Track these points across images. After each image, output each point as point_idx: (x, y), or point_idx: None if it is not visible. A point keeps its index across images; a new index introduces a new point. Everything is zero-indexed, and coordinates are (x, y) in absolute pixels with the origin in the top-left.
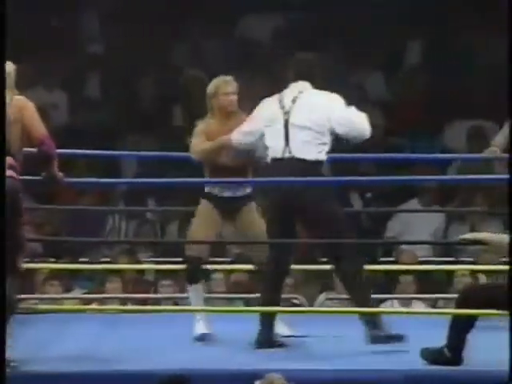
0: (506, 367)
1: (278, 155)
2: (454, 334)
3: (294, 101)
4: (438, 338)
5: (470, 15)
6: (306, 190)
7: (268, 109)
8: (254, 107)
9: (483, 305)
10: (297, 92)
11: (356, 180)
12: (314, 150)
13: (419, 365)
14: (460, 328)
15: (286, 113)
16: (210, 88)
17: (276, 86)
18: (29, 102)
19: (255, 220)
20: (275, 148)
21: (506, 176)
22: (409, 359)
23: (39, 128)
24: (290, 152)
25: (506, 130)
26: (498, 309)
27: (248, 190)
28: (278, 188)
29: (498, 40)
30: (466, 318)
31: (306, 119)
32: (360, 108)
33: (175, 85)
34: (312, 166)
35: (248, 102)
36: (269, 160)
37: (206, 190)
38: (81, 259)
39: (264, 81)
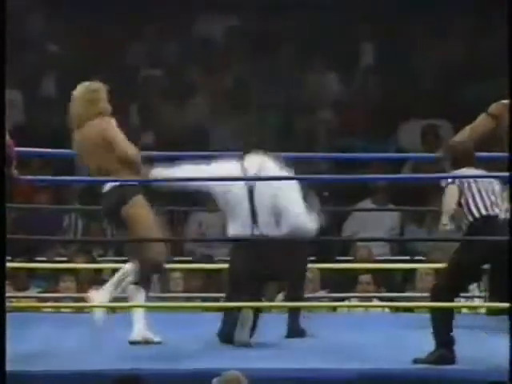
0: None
1: None
2: (440, 331)
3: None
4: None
5: (420, 15)
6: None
7: None
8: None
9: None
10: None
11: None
12: None
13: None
14: (443, 323)
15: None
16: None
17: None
18: None
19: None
20: None
21: (506, 174)
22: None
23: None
24: None
25: (465, 132)
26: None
27: None
28: None
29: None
30: (444, 311)
31: None
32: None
33: (132, 84)
34: None
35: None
36: None
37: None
38: (37, 258)
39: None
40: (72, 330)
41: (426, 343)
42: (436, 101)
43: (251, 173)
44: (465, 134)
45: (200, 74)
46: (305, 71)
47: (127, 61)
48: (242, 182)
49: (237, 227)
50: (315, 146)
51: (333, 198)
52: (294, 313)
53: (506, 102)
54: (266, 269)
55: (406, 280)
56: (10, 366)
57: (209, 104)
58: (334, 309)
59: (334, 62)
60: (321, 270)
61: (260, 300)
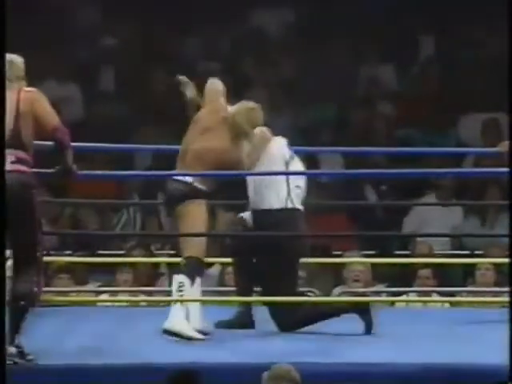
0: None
1: None
2: None
3: None
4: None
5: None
6: None
7: None
8: None
9: None
10: None
11: (369, 173)
12: None
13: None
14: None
15: None
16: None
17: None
18: (40, 94)
19: None
20: None
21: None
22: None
23: (52, 118)
24: None
25: None
26: None
27: None
28: None
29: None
30: None
31: None
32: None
33: (189, 77)
34: None
35: None
36: None
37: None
38: (97, 253)
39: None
40: (127, 324)
41: (486, 338)
42: (496, 94)
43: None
44: None
45: (256, 67)
46: (361, 63)
47: (184, 54)
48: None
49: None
50: (373, 138)
51: (393, 192)
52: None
53: None
54: None
55: (467, 275)
56: (66, 360)
57: (265, 97)
58: (393, 303)
59: (393, 53)
60: (379, 264)
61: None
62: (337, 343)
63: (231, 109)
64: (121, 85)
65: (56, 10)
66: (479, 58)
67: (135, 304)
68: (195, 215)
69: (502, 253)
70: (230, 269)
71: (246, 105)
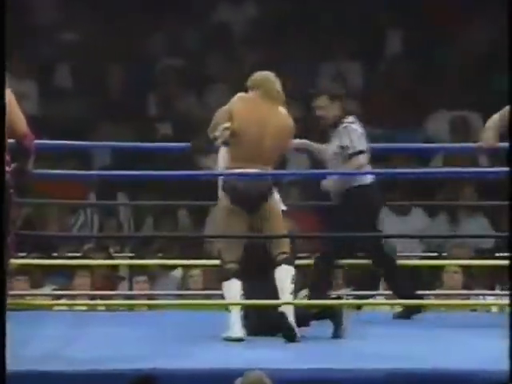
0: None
1: None
2: None
3: None
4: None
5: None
6: None
7: None
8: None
9: None
10: None
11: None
12: None
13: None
14: None
15: None
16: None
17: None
18: (12, 95)
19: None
20: None
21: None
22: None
23: (22, 123)
24: None
25: (494, 121)
26: None
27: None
28: None
29: (481, 28)
30: None
31: None
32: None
33: (150, 73)
34: None
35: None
36: None
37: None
38: (54, 254)
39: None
40: (86, 329)
41: (453, 342)
42: (465, 90)
43: None
44: (494, 123)
45: (220, 63)
46: (326, 59)
47: (146, 50)
48: None
49: None
50: None
51: None
52: None
53: None
54: None
55: (434, 278)
56: (22, 366)
57: (229, 94)
58: (359, 307)
59: (359, 49)
60: (346, 266)
61: None
62: (306, 348)
63: None
64: (78, 81)
65: (14, 4)
66: (447, 54)
67: (93, 308)
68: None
69: (467, 254)
70: (194, 271)
71: None
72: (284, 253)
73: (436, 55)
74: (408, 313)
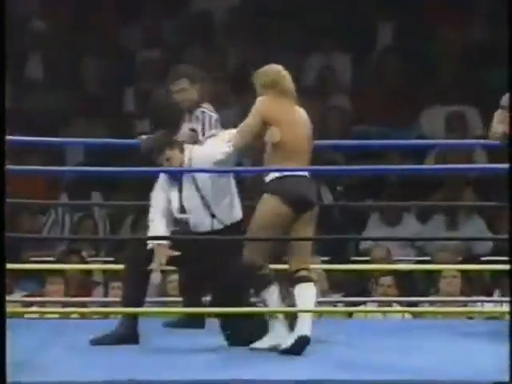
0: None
1: None
2: None
3: None
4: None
5: None
6: None
7: None
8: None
9: None
10: None
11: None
12: None
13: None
14: None
15: None
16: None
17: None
18: None
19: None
20: None
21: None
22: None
23: None
24: None
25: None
26: None
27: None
28: None
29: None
30: None
31: None
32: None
33: (127, 66)
34: None
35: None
36: None
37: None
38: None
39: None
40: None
41: (450, 352)
42: (461, 85)
43: None
44: (495, 128)
45: (201, 54)
46: (314, 52)
47: (122, 41)
48: None
49: None
50: (326, 134)
51: (352, 193)
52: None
53: None
54: None
55: (430, 284)
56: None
57: (211, 88)
58: (350, 314)
59: (348, 41)
60: (333, 271)
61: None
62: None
63: None
64: (50, 73)
65: None
66: (442, 46)
67: (67, 316)
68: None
69: (453, 258)
70: (173, 277)
71: None
72: (305, 269)
73: (429, 48)
74: (186, 322)
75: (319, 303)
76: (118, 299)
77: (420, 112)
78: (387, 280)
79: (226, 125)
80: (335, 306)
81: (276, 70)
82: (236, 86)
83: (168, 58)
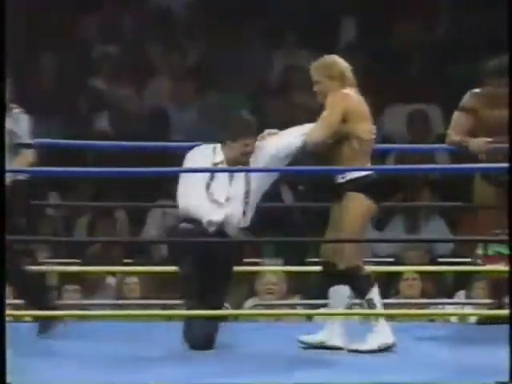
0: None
1: None
2: None
3: None
4: None
5: None
6: None
7: None
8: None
9: None
10: None
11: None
12: None
13: None
14: None
15: None
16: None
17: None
18: None
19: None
20: None
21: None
22: None
23: None
24: None
25: (456, 119)
26: None
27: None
28: None
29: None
30: None
31: None
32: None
33: (84, 62)
34: None
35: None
36: None
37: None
38: None
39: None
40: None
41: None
42: (424, 83)
43: None
44: (451, 136)
45: (160, 51)
46: (277, 49)
47: (79, 36)
48: None
49: None
50: None
51: (315, 193)
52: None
53: (477, 90)
54: None
55: (390, 285)
56: None
57: (170, 85)
58: (310, 317)
59: (311, 37)
60: (293, 273)
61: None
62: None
63: None
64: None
65: None
66: (405, 43)
67: (18, 319)
68: None
69: (423, 258)
70: (130, 279)
71: None
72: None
73: (392, 45)
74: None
75: (279, 306)
76: (73, 302)
77: (382, 110)
78: None
79: (186, 124)
80: (294, 308)
81: (339, 60)
82: (197, 84)
83: (126, 54)
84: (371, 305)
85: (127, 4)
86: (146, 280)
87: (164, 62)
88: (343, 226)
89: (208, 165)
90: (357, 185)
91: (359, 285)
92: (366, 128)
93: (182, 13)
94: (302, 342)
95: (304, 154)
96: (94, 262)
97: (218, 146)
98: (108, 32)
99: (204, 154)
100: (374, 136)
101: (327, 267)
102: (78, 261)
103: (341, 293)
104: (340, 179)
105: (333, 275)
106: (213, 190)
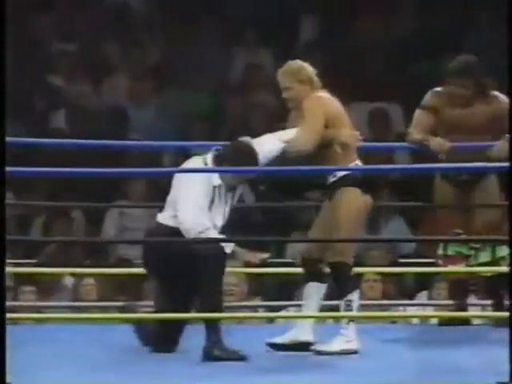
0: None
1: None
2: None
3: None
4: None
5: None
6: None
7: None
8: None
9: None
10: None
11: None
12: None
13: None
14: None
15: None
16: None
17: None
18: None
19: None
20: None
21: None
22: None
23: None
24: None
25: (417, 117)
26: None
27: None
28: None
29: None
30: None
31: None
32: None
33: (40, 60)
34: None
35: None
36: None
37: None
38: None
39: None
40: None
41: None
42: (384, 81)
43: None
44: (412, 134)
45: (118, 48)
46: (237, 47)
47: (35, 34)
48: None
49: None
50: (251, 131)
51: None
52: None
53: (439, 89)
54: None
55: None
56: None
57: (128, 84)
58: (272, 320)
59: (272, 35)
60: (254, 274)
61: None
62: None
63: None
64: None
65: None
66: (366, 41)
67: None
68: None
69: (384, 259)
70: (87, 280)
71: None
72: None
73: (353, 42)
74: None
75: (242, 308)
76: (29, 304)
77: (343, 108)
78: None
79: (144, 122)
80: (256, 311)
81: (305, 64)
82: (156, 82)
83: (84, 52)
84: (348, 307)
85: (84, 0)
86: (102, 281)
87: (123, 60)
88: (339, 220)
89: (208, 185)
90: (352, 180)
91: (345, 283)
92: (348, 133)
93: (141, 10)
94: (270, 345)
95: (285, 160)
96: (50, 262)
97: (208, 161)
98: (65, 29)
99: (201, 175)
100: (359, 142)
101: (309, 266)
102: (33, 261)
103: (317, 294)
104: (332, 178)
105: (313, 274)
106: (213, 213)
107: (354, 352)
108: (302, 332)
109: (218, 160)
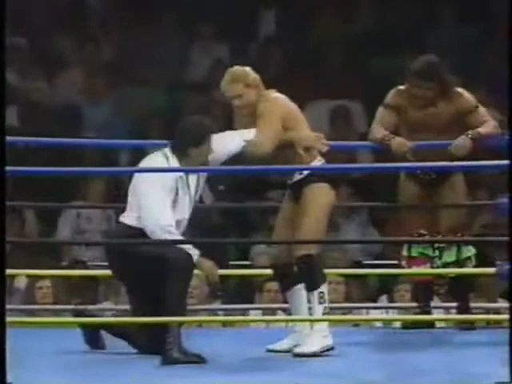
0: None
1: None
2: None
3: None
4: None
5: None
6: None
7: None
8: None
9: None
10: None
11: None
12: None
13: None
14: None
15: None
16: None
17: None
18: None
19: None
20: None
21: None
22: None
23: None
24: None
25: (380, 116)
26: None
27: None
28: None
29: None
30: None
31: None
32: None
33: None
34: None
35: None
36: None
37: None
38: None
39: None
40: None
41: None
42: (345, 78)
43: None
44: (374, 132)
45: (72, 43)
46: (194, 42)
47: None
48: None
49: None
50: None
51: (236, 193)
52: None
53: (402, 88)
54: None
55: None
56: None
57: (82, 80)
58: (230, 323)
59: (229, 30)
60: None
61: None
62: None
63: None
64: None
65: None
66: (326, 37)
67: None
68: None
69: (346, 260)
70: (42, 282)
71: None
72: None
73: (314, 38)
74: None
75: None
76: None
77: (303, 106)
78: (273, 286)
79: (99, 119)
80: (216, 314)
81: (246, 68)
82: (111, 78)
83: (36, 46)
84: (321, 299)
85: None
86: (56, 284)
87: (77, 55)
88: (309, 214)
89: (171, 178)
90: (319, 176)
91: (314, 276)
92: (310, 136)
93: (96, 4)
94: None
95: (244, 161)
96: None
97: (168, 154)
98: (16, 23)
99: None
100: (323, 143)
101: (281, 269)
102: None
103: (300, 297)
104: (298, 175)
105: (287, 277)
106: (179, 205)
107: (331, 348)
108: (301, 339)
109: (177, 148)
